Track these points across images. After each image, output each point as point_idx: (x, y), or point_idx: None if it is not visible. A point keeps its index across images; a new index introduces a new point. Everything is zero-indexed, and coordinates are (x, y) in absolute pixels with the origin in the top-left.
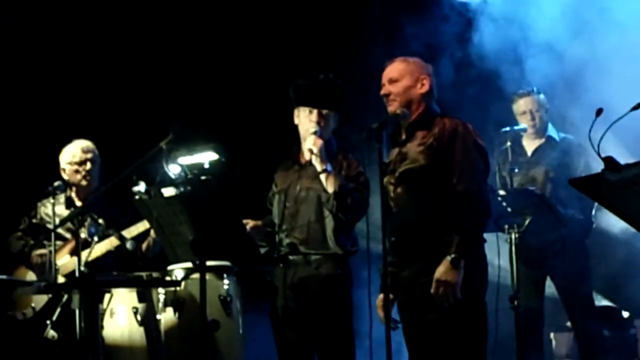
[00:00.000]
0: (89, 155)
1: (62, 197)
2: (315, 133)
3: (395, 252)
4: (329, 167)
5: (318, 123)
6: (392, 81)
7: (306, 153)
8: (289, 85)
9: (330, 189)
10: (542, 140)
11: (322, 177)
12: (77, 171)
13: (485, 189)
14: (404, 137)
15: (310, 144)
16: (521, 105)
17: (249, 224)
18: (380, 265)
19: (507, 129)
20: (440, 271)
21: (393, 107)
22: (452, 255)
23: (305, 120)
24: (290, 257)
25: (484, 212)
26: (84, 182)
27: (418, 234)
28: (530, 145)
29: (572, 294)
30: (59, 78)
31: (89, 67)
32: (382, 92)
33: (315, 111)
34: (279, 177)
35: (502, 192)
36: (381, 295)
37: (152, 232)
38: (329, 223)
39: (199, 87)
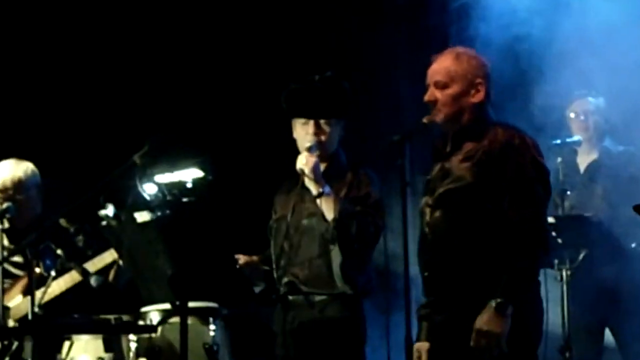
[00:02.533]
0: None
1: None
2: (310, 149)
3: (429, 291)
4: (327, 189)
5: (315, 136)
6: (439, 85)
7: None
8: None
9: (330, 215)
10: (595, 155)
11: (319, 202)
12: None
13: (543, 218)
14: (448, 149)
15: (300, 163)
16: (575, 107)
17: (241, 259)
18: (419, 307)
19: (558, 141)
20: (483, 319)
21: (438, 118)
22: (498, 300)
23: (302, 133)
24: (290, 298)
25: (540, 247)
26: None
27: (457, 269)
28: (583, 160)
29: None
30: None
31: (48, 66)
32: (426, 98)
33: (311, 122)
34: (279, 202)
35: (551, 220)
36: (419, 345)
37: (120, 261)
38: (336, 257)
39: (181, 90)
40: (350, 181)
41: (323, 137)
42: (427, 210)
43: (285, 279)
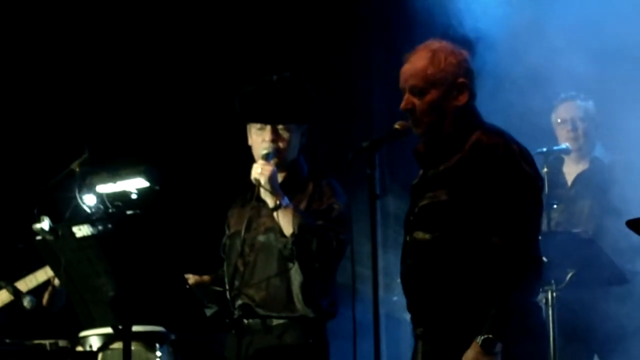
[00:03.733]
0: None
1: None
2: (266, 157)
3: (414, 319)
4: (285, 201)
5: (272, 143)
6: (415, 92)
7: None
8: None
9: (288, 230)
10: (584, 166)
11: (276, 215)
12: None
13: (533, 239)
14: (428, 157)
15: (255, 172)
16: (561, 111)
17: (190, 279)
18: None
19: (544, 149)
20: (468, 358)
21: (418, 130)
22: (484, 336)
23: (257, 140)
24: (245, 322)
25: (532, 274)
26: None
27: (440, 298)
28: (571, 171)
29: None
30: None
31: None
32: (403, 105)
33: (268, 127)
34: (233, 216)
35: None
36: None
37: (55, 280)
38: (295, 276)
39: (125, 91)
40: (312, 192)
41: (281, 144)
42: (408, 226)
43: (239, 301)
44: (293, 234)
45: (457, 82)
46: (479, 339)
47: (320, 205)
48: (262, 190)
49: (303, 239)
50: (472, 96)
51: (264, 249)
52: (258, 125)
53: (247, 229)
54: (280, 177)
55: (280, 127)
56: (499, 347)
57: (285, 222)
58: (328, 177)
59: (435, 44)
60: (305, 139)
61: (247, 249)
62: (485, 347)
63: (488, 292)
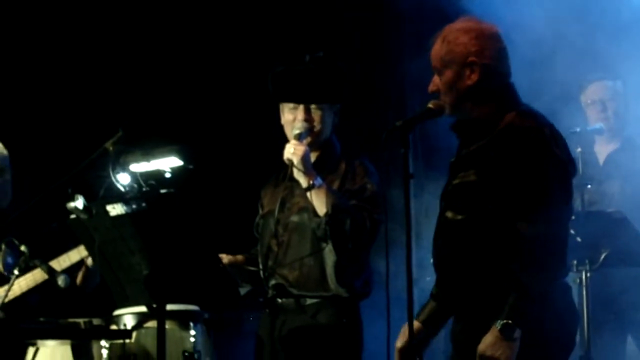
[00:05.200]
0: None
1: None
2: (299, 137)
3: (442, 298)
4: (318, 181)
5: (305, 122)
6: (436, 72)
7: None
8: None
9: (322, 210)
10: (616, 145)
11: (309, 195)
12: None
13: (561, 226)
14: (461, 138)
15: (288, 152)
16: (590, 92)
17: (224, 259)
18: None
19: (577, 129)
20: (486, 343)
21: (446, 111)
22: (503, 322)
23: (290, 119)
24: (279, 301)
25: (555, 262)
26: None
27: (463, 278)
28: (602, 150)
29: None
30: None
31: (13, 49)
32: (430, 88)
33: (300, 107)
34: (266, 196)
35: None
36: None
37: (88, 260)
38: (329, 256)
39: (159, 70)
40: (344, 172)
41: (314, 124)
42: (442, 204)
43: (273, 281)
44: (326, 214)
45: (467, 61)
46: (498, 324)
47: (353, 185)
48: (295, 170)
49: (336, 219)
50: (493, 75)
51: (297, 229)
52: (291, 105)
53: (281, 209)
54: (313, 157)
55: (312, 106)
56: (517, 333)
57: (319, 202)
58: (361, 156)
59: (454, 25)
60: (338, 119)
61: (280, 229)
62: (504, 332)
63: (512, 276)
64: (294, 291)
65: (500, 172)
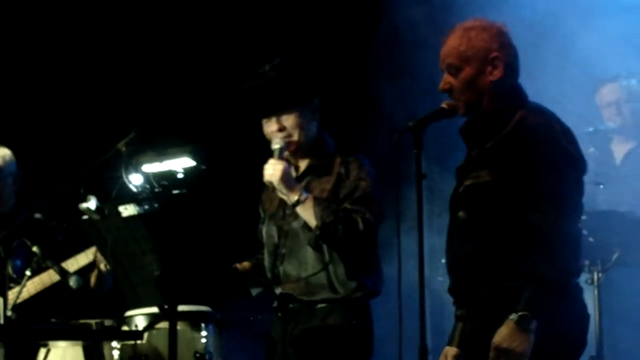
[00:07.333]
0: None
1: None
2: (279, 152)
3: (456, 300)
4: (304, 194)
5: (279, 132)
6: (452, 70)
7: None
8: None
9: (312, 222)
10: (634, 143)
11: (298, 210)
12: None
13: (573, 221)
14: (472, 136)
15: (267, 175)
16: (605, 94)
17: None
18: (457, 306)
19: (591, 129)
20: (502, 335)
21: (460, 109)
22: (520, 313)
23: (268, 132)
24: (290, 306)
25: (569, 255)
26: None
27: (479, 276)
28: (620, 150)
29: None
30: None
31: (25, 48)
32: (441, 86)
33: (272, 119)
34: (267, 200)
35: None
36: (447, 349)
37: (101, 265)
38: (332, 261)
39: (171, 71)
40: (338, 171)
41: (291, 131)
42: (453, 206)
43: (280, 290)
44: (317, 227)
45: (490, 56)
46: (515, 316)
47: (347, 185)
48: (277, 192)
49: (327, 230)
50: (513, 72)
51: (298, 235)
52: (265, 119)
53: (281, 215)
54: (304, 164)
55: (284, 115)
56: (534, 325)
57: (308, 216)
58: (356, 153)
59: (469, 22)
60: (319, 115)
61: (282, 238)
62: (521, 324)
63: (527, 271)
64: (304, 298)
65: (513, 170)
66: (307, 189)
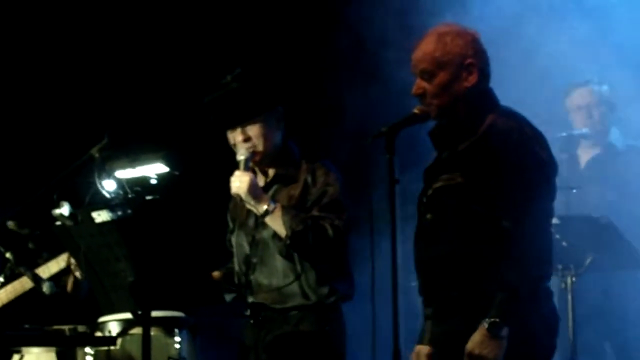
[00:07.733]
0: None
1: None
2: (245, 163)
3: (425, 300)
4: (272, 205)
5: (244, 143)
6: (425, 75)
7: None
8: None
9: (281, 232)
10: (599, 150)
11: (267, 221)
12: None
13: (544, 226)
14: (443, 140)
15: (234, 187)
16: (575, 98)
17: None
18: (425, 306)
19: (564, 134)
20: (474, 341)
21: (432, 114)
22: (491, 320)
23: (233, 143)
24: (263, 314)
25: (539, 260)
26: None
27: (447, 278)
28: (584, 154)
29: None
30: None
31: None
32: (414, 91)
33: (238, 130)
34: (235, 209)
35: (555, 221)
36: (419, 348)
37: (77, 272)
38: (303, 269)
39: (144, 76)
40: (305, 178)
41: (255, 141)
42: (421, 208)
43: (252, 299)
44: (287, 236)
45: (465, 62)
46: (486, 323)
47: (314, 192)
48: (245, 204)
49: (296, 239)
50: (485, 77)
51: (269, 245)
52: (230, 130)
53: (251, 225)
54: (271, 172)
55: (248, 125)
56: (505, 331)
57: (277, 226)
58: (322, 159)
59: (442, 27)
60: (283, 123)
61: (253, 248)
62: (492, 330)
63: (497, 276)
64: (277, 306)
65: (485, 173)
66: (275, 198)
